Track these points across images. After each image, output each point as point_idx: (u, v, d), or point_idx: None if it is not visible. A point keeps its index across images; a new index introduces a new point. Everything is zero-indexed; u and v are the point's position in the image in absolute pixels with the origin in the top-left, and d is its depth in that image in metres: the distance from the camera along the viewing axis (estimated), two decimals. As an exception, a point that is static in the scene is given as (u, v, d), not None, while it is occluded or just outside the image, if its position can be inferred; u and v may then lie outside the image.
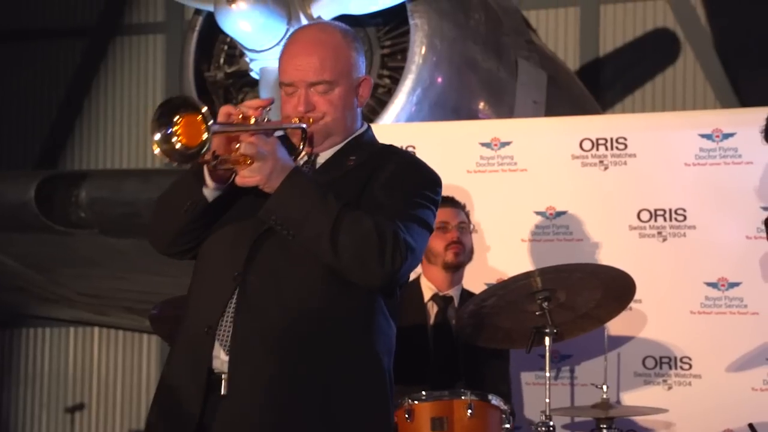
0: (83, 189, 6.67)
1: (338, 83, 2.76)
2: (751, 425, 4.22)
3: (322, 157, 2.81)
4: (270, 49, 5.43)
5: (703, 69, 9.61)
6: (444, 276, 4.38)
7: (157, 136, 2.53)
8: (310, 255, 2.62)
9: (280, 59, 2.79)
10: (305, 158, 2.78)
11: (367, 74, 2.89)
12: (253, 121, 2.63)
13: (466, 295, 4.38)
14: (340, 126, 2.79)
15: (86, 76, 10.66)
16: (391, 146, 2.93)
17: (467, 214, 4.46)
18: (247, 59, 5.56)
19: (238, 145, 2.59)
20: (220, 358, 2.64)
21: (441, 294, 4.39)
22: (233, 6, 5.25)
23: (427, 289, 4.40)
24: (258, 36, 5.38)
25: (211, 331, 2.63)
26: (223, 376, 2.62)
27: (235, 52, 5.85)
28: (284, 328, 2.61)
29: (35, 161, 10.53)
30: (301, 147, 2.73)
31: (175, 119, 2.53)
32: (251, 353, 2.60)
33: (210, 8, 5.51)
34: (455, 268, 4.38)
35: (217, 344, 2.64)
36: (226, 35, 5.65)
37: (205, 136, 2.48)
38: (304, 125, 2.73)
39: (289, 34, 2.88)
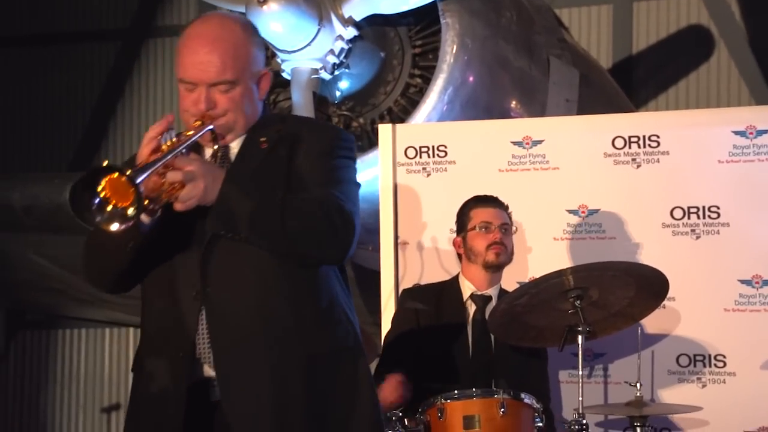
0: (117, 190, 6.70)
1: (239, 81, 2.74)
2: None
3: (234, 147, 2.80)
4: (302, 49, 5.45)
5: (737, 66, 9.54)
6: (483, 275, 4.38)
7: (95, 217, 2.47)
8: (258, 253, 2.65)
9: (179, 52, 2.75)
10: (219, 153, 2.78)
11: (266, 68, 2.86)
12: (165, 146, 2.60)
13: (504, 294, 4.38)
14: (241, 121, 2.78)
15: (119, 79, 10.73)
16: (289, 115, 2.97)
17: (510, 215, 4.44)
18: (279, 60, 5.58)
19: (163, 177, 2.56)
20: (204, 375, 2.69)
21: (479, 293, 4.39)
22: (264, 7, 5.26)
23: (467, 288, 4.41)
24: (289, 37, 5.39)
25: (187, 352, 2.66)
26: (212, 388, 2.67)
27: (266, 53, 5.86)
28: (258, 331, 2.67)
29: (69, 163, 10.61)
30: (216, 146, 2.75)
31: (98, 189, 2.47)
32: (237, 363, 2.65)
33: (241, 9, 5.53)
34: (496, 268, 4.38)
35: (198, 363, 2.68)
36: (258, 36, 5.67)
37: (132, 189, 2.44)
38: (211, 126, 2.71)
39: (191, 26, 2.80)
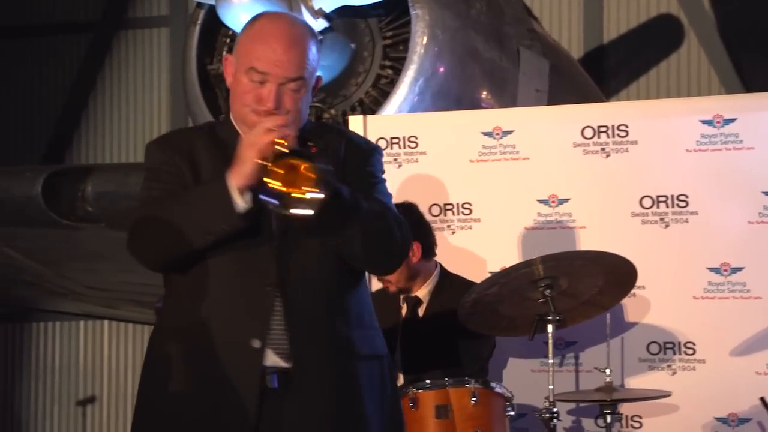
0: (89, 183, 6.69)
1: (307, 82, 2.74)
2: (762, 399, 4.26)
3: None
4: (272, 41, 5.44)
5: (707, 55, 9.60)
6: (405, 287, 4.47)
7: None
8: (324, 251, 2.69)
9: (250, 42, 2.71)
10: None
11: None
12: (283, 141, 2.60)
13: (446, 281, 4.43)
14: (298, 122, 2.74)
15: (91, 71, 10.69)
16: (331, 125, 2.99)
17: None
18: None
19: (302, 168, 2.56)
20: (277, 366, 2.67)
21: (411, 296, 4.49)
22: (235, -1, 5.27)
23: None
24: (260, 28, 5.39)
25: (260, 341, 2.64)
26: (281, 379, 2.66)
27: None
28: (327, 326, 2.71)
29: (41, 156, 10.56)
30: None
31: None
32: (309, 356, 2.67)
33: (212, 1, 5.53)
34: (404, 291, 4.45)
35: (269, 352, 2.66)
36: (229, 28, 5.67)
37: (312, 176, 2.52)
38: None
39: (267, 18, 2.79)
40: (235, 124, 2.80)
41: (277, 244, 2.69)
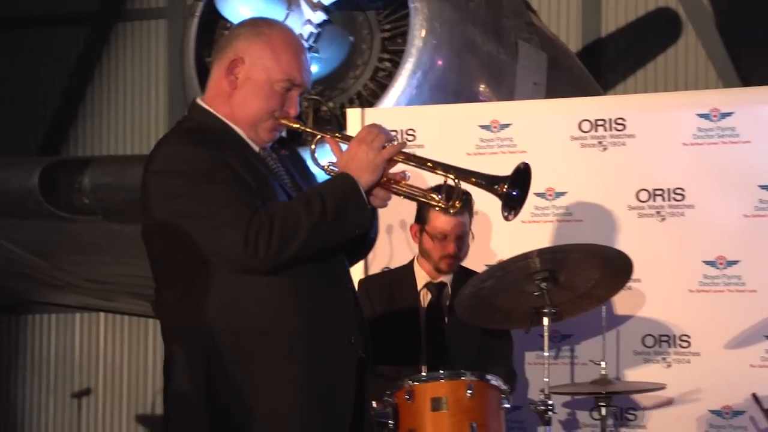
0: (87, 175, 6.70)
1: None
2: (754, 395, 4.27)
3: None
4: (270, 34, 5.44)
5: (705, 48, 9.61)
6: (437, 272, 4.44)
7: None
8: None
9: (287, 54, 2.89)
10: (276, 155, 3.01)
11: None
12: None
13: (462, 273, 4.41)
14: None
15: (89, 63, 10.69)
16: None
17: (470, 217, 4.41)
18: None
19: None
20: (360, 356, 2.90)
21: (434, 282, 4.44)
22: (233, -9, 5.27)
23: (421, 278, 4.45)
24: (258, 21, 5.40)
25: (354, 341, 2.87)
26: (360, 365, 2.90)
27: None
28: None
29: (38, 148, 10.56)
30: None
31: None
32: (367, 347, 2.96)
33: (209, -7, 5.53)
34: (448, 273, 4.43)
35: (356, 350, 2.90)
36: (227, 20, 5.67)
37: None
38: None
39: (279, 28, 3.00)
40: (227, 121, 2.90)
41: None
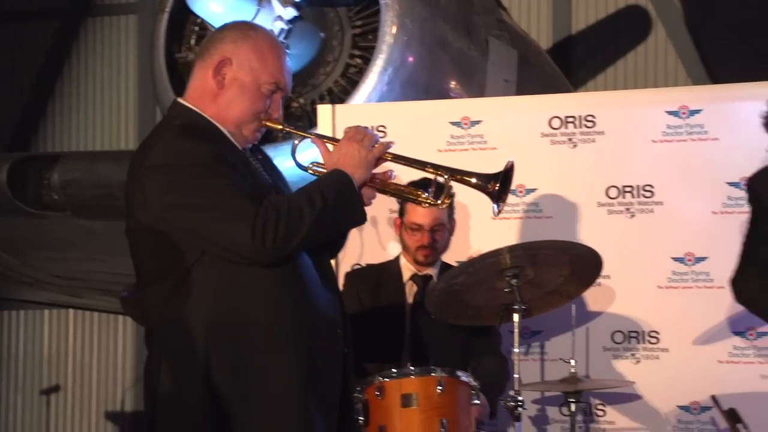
0: (56, 171, 6.66)
1: None
2: (713, 397, 4.30)
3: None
4: (241, 30, 5.43)
5: (674, 46, 9.67)
6: (417, 264, 4.44)
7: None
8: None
9: (273, 58, 2.95)
10: (260, 156, 3.08)
11: None
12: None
13: (446, 269, 4.43)
14: None
15: (58, 58, 10.62)
16: None
17: (449, 209, 4.42)
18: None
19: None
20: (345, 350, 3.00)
21: (420, 274, 4.44)
22: (203, -13, 5.25)
23: (407, 270, 4.46)
24: (228, 16, 5.37)
25: (340, 333, 2.96)
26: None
27: (206, 33, 5.84)
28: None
29: (7, 144, 10.49)
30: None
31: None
32: (350, 342, 3.05)
33: (180, -12, 5.51)
34: (426, 265, 4.43)
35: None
36: (197, 16, 5.65)
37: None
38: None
39: (264, 32, 3.07)
40: (213, 121, 2.93)
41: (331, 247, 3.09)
